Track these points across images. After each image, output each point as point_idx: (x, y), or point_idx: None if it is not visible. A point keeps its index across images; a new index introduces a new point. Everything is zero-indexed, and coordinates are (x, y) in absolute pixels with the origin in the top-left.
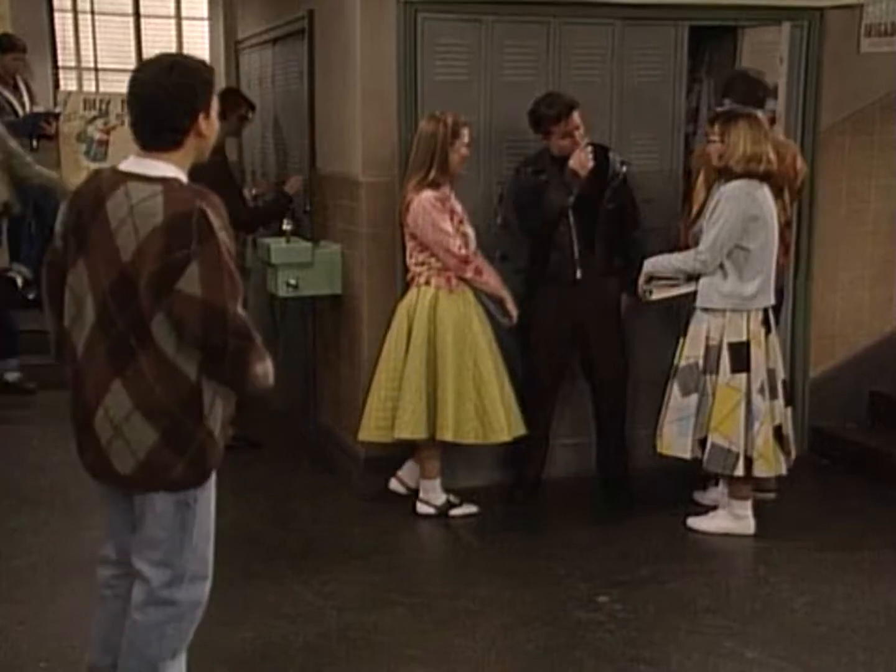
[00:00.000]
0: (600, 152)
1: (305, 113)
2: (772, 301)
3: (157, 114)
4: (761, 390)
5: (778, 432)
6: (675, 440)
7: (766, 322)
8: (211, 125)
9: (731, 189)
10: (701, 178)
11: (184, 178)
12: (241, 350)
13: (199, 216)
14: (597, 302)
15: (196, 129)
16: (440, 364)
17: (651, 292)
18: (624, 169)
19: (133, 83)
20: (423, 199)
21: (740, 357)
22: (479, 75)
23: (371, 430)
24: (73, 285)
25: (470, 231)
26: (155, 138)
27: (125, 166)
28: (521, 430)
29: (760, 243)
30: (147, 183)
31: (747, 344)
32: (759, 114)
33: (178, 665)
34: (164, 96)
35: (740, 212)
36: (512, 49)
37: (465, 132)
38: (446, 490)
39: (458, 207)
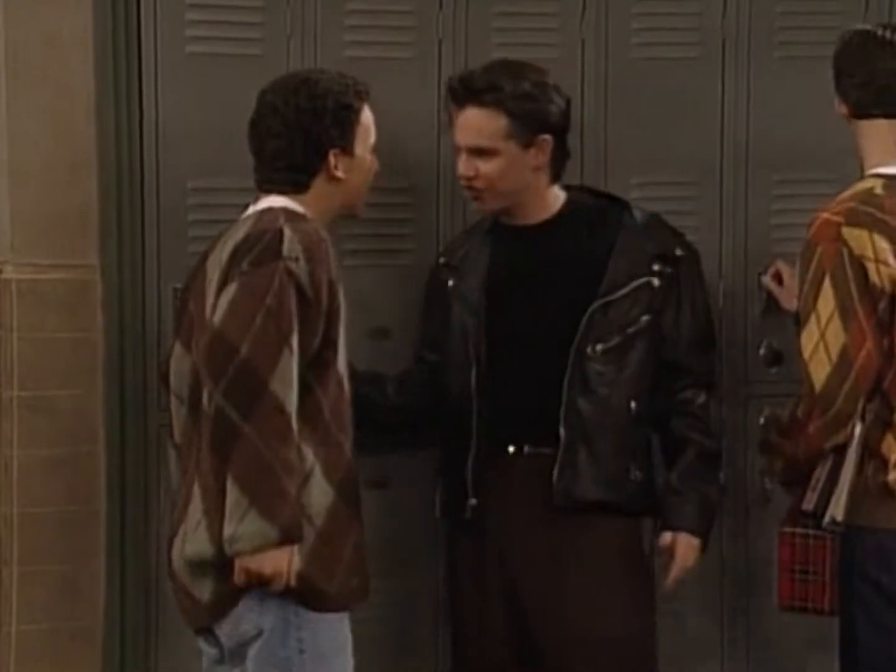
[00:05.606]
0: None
1: None
2: None
3: (272, 147)
4: None
5: None
6: None
7: None
8: (351, 165)
9: None
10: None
11: (302, 211)
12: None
13: (271, 235)
14: (562, 566)
15: (327, 170)
16: None
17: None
18: (678, 252)
19: (256, 106)
20: None
21: None
22: (284, 44)
23: None
24: (171, 383)
25: None
26: (270, 178)
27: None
28: None
29: None
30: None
31: None
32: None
33: None
34: (281, 125)
35: None
36: None
37: None
38: None
39: None
